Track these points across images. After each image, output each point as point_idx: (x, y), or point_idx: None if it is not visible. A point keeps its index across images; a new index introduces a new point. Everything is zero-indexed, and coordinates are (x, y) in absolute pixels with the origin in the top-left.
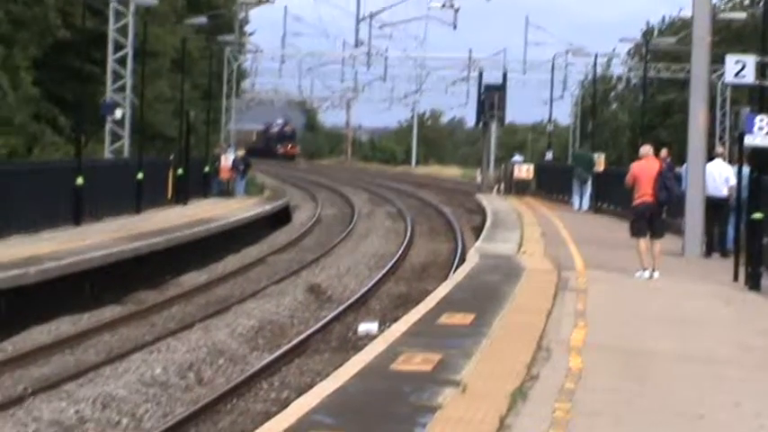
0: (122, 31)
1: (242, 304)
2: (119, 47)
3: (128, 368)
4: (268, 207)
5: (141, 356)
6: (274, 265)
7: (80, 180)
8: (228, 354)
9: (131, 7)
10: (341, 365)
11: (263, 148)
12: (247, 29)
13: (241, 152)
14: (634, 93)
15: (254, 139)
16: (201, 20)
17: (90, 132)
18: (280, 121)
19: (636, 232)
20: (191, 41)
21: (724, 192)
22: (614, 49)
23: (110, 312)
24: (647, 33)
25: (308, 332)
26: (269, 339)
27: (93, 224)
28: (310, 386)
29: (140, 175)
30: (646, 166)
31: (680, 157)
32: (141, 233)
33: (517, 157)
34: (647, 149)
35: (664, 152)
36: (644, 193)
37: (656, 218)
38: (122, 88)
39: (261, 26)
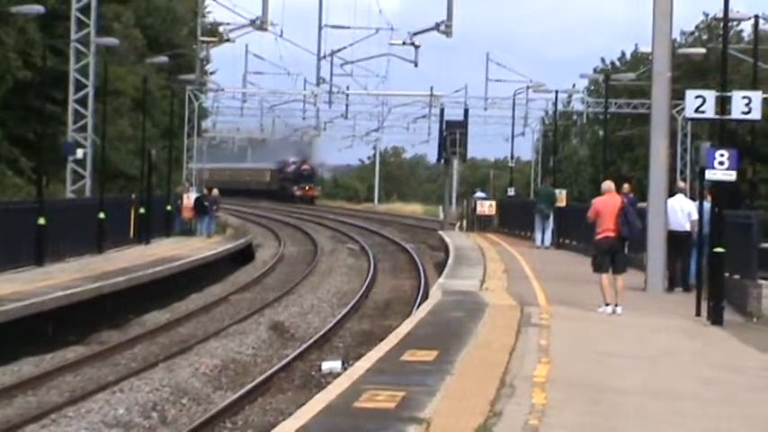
0: (83, 70)
1: (205, 343)
2: (80, 86)
3: (91, 409)
4: (231, 246)
5: (104, 397)
6: (237, 304)
7: (42, 220)
8: (192, 393)
9: (92, 47)
10: (304, 404)
11: (278, 189)
12: (208, 68)
13: (215, 192)
14: (594, 128)
15: (266, 179)
16: (162, 59)
17: (51, 172)
18: (295, 159)
19: (598, 268)
20: (152, 80)
21: (687, 226)
22: (574, 85)
23: (72, 353)
24: (606, 70)
25: (272, 371)
26: (232, 378)
27: (55, 264)
28: (273, 425)
29: (102, 215)
30: (608, 202)
31: (641, 191)
32: (104, 273)
33: (480, 194)
34: (608, 185)
35: (626, 187)
36: (606, 229)
37: (619, 253)
38: (84, 128)
39: (222, 65)
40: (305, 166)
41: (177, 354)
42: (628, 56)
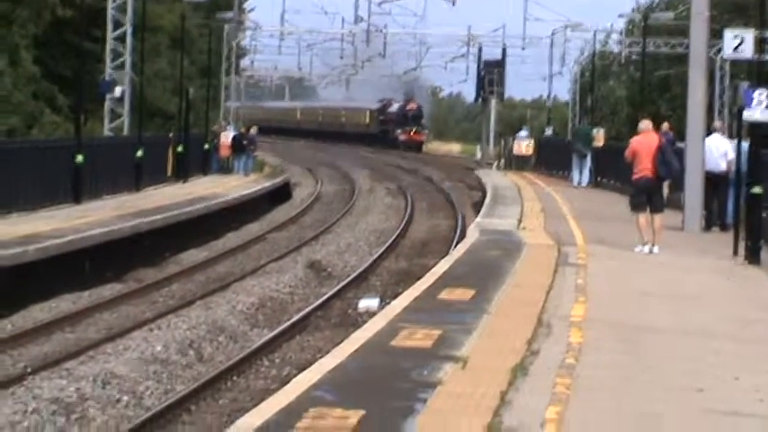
0: (121, 8)
1: (242, 281)
2: (118, 24)
3: (128, 346)
4: (268, 184)
5: (141, 334)
6: (274, 243)
7: (80, 158)
8: (229, 331)
9: None
10: (341, 342)
11: (378, 133)
12: (246, 6)
13: (254, 129)
14: (630, 68)
15: (366, 120)
16: None
17: (89, 110)
18: (399, 97)
19: (635, 207)
20: (189, 19)
21: (723, 166)
22: (612, 25)
23: (110, 290)
24: (646, 9)
25: (309, 309)
26: (269, 316)
27: (92, 202)
28: (311, 363)
29: (140, 153)
30: (645, 141)
31: (680, 131)
32: (141, 211)
33: (523, 132)
34: (646, 124)
35: (665, 126)
36: (643, 168)
37: (656, 192)
38: (121, 66)
39: (260, 3)
40: (411, 106)
41: (214, 291)
42: None
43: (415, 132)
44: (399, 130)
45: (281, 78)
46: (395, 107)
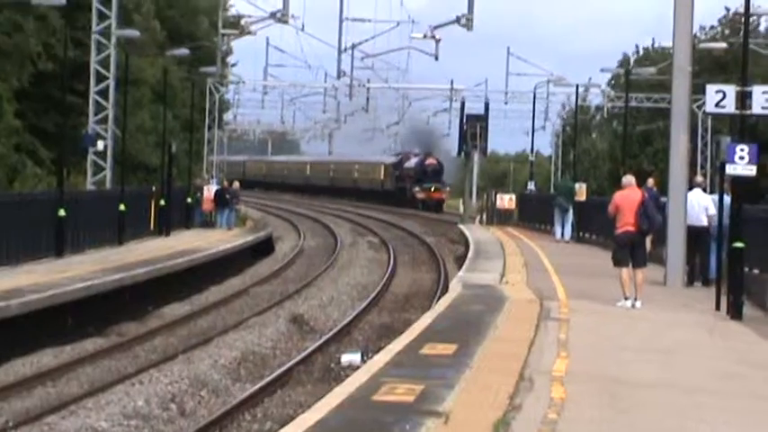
0: (104, 62)
1: (224, 335)
2: (100, 78)
3: (110, 400)
4: (250, 238)
5: (123, 388)
6: (257, 297)
7: (62, 212)
8: (211, 385)
9: (113, 39)
10: (323, 396)
11: (394, 190)
12: (229, 60)
13: (235, 184)
14: (612, 122)
15: (380, 176)
16: (183, 51)
17: (72, 164)
18: (417, 151)
19: (618, 262)
20: (172, 72)
21: (704, 221)
22: (590, 79)
23: (92, 344)
24: (626, 63)
25: (291, 363)
26: (251, 370)
27: (75, 256)
28: (292, 418)
29: (122, 207)
30: (628, 196)
31: (662, 186)
32: (123, 265)
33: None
34: (629, 179)
35: (650, 181)
36: (626, 223)
37: (639, 247)
38: (104, 119)
39: (243, 57)
40: (430, 161)
41: (196, 346)
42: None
43: (434, 190)
44: (417, 188)
45: (263, 132)
46: (413, 162)
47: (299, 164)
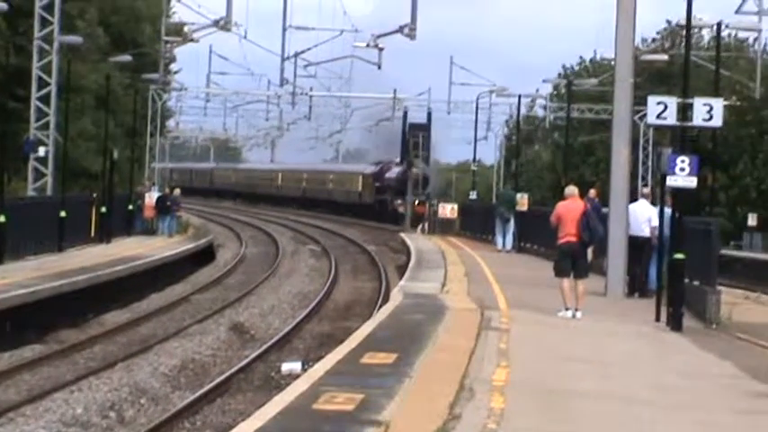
0: (46, 68)
1: (164, 343)
2: (42, 84)
3: (49, 408)
4: (191, 245)
5: (62, 396)
6: (197, 304)
7: (2, 218)
8: (151, 393)
9: (55, 45)
10: (263, 405)
11: (373, 203)
12: (172, 67)
13: (177, 191)
14: (555, 133)
15: (357, 187)
16: (126, 58)
17: (13, 170)
18: (398, 160)
19: (560, 272)
20: (115, 79)
21: (646, 232)
22: (537, 90)
23: (31, 351)
24: (569, 74)
25: (231, 371)
26: (191, 378)
27: (15, 262)
28: (232, 426)
29: (63, 213)
30: (570, 207)
31: (604, 197)
32: (63, 271)
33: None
34: (572, 190)
35: (592, 192)
36: (568, 233)
37: (580, 258)
38: (46, 125)
39: (186, 65)
40: (414, 171)
41: (136, 353)
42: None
43: (419, 204)
44: (399, 200)
45: (206, 140)
46: (394, 172)
47: (269, 172)
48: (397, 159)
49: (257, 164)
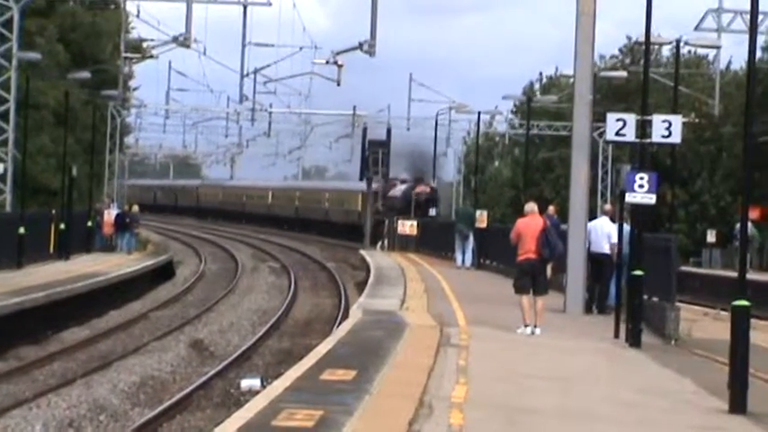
0: (5, 84)
1: (124, 360)
2: (1, 101)
3: (7, 425)
4: (151, 262)
5: (21, 413)
6: (157, 321)
7: None
8: (110, 410)
9: (14, 61)
10: (222, 422)
11: (374, 224)
12: (132, 83)
13: (135, 208)
14: (515, 150)
15: (357, 207)
16: (85, 74)
17: None
18: (404, 176)
19: (519, 289)
20: (74, 96)
21: (606, 248)
22: (497, 107)
23: None
24: (529, 91)
25: (190, 388)
26: (151, 395)
27: None
28: None
29: (22, 230)
30: (530, 223)
31: (563, 213)
32: (23, 288)
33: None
34: (531, 206)
35: (551, 209)
36: (528, 250)
37: (540, 275)
38: (4, 142)
39: (145, 81)
40: (421, 188)
41: (96, 370)
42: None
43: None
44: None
45: (165, 156)
46: (399, 190)
47: (259, 190)
48: (403, 176)
49: (246, 181)
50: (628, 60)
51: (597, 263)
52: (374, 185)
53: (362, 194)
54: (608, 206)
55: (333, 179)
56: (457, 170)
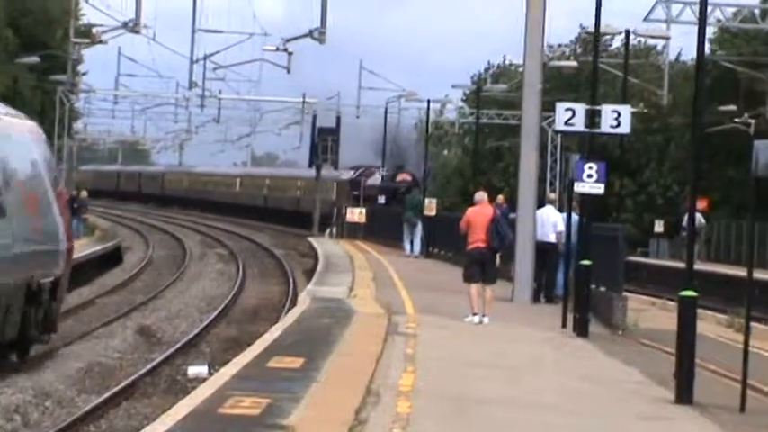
0: None
1: (70, 346)
2: None
3: None
4: (98, 248)
5: None
6: (104, 307)
7: None
8: (56, 396)
9: None
10: (169, 408)
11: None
12: (81, 69)
13: (83, 193)
14: (465, 138)
15: (332, 197)
16: (34, 59)
17: None
18: (377, 165)
19: (468, 277)
20: (23, 81)
21: (552, 238)
22: (447, 96)
23: None
24: (479, 80)
25: (137, 375)
26: (97, 382)
27: None
28: (138, 429)
29: None
30: (480, 212)
31: (512, 202)
32: None
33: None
34: (481, 195)
35: (500, 198)
36: (477, 239)
37: (489, 264)
38: None
39: (94, 67)
40: (402, 177)
41: (41, 356)
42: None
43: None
44: None
45: (114, 142)
46: (377, 178)
47: (226, 177)
48: (379, 164)
49: (212, 167)
50: (580, 50)
51: (543, 252)
52: (346, 174)
53: (336, 183)
54: (553, 195)
55: (282, 166)
56: None
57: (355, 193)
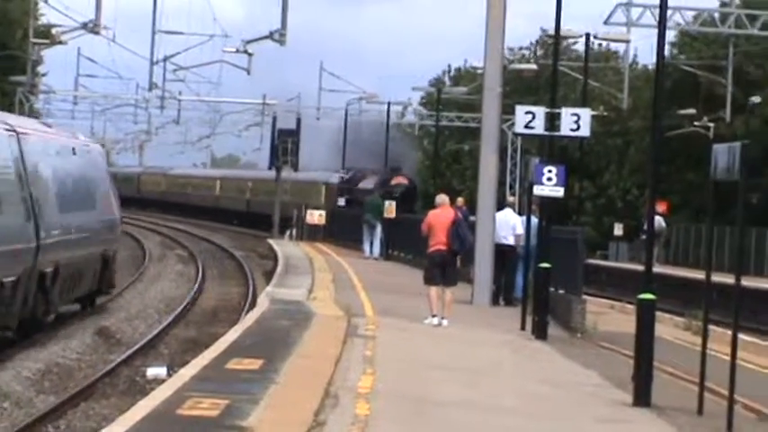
0: None
1: (29, 347)
2: None
3: None
4: None
5: None
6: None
7: None
8: (14, 397)
9: None
10: (128, 410)
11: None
12: (40, 69)
13: None
14: (426, 141)
15: (321, 200)
16: None
17: None
18: (375, 167)
19: (429, 280)
20: None
21: (511, 240)
22: (409, 99)
23: None
24: (439, 83)
25: (96, 376)
26: (55, 383)
27: None
28: (96, 430)
29: None
30: (441, 215)
31: (471, 205)
32: None
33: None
34: (443, 198)
35: (460, 201)
36: (438, 242)
37: (450, 266)
38: None
39: (54, 67)
40: (397, 180)
41: None
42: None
43: None
44: None
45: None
46: (371, 181)
47: (205, 179)
48: (374, 166)
49: (191, 169)
50: (541, 52)
51: (502, 254)
52: (334, 177)
53: (326, 186)
54: (512, 198)
55: (244, 168)
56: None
57: (348, 197)
